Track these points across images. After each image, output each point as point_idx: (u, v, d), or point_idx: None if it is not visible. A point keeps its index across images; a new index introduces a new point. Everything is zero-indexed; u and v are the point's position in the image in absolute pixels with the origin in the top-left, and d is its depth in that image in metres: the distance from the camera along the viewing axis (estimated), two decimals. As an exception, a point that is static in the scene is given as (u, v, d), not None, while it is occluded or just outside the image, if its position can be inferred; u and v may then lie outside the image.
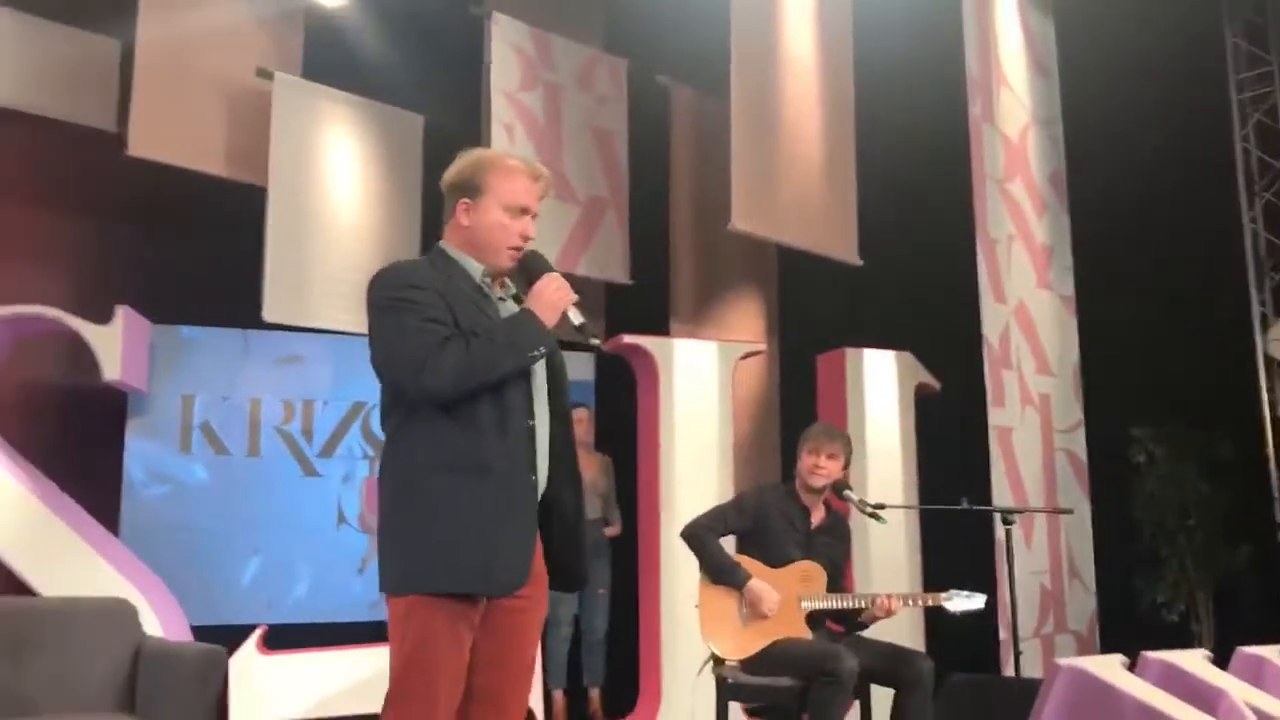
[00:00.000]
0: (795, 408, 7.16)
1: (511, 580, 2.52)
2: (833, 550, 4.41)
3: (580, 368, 7.42)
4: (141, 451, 6.41)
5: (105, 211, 6.65)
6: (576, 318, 2.65)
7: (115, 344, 5.56)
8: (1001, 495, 6.05)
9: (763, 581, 4.17)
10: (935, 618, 5.98)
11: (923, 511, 6.60)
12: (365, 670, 5.92)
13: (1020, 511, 4.42)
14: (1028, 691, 4.80)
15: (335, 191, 6.72)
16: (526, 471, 2.56)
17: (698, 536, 4.32)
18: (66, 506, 5.52)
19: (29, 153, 6.51)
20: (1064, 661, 4.71)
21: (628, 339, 6.39)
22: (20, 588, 5.10)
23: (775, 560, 4.28)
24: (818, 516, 4.43)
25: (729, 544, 4.42)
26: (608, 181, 6.90)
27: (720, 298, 7.21)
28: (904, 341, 6.85)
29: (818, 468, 4.39)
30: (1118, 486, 6.76)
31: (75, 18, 6.57)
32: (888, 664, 4.11)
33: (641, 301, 7.30)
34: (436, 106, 7.13)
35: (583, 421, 6.65)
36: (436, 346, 2.46)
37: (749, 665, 4.21)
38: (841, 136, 6.53)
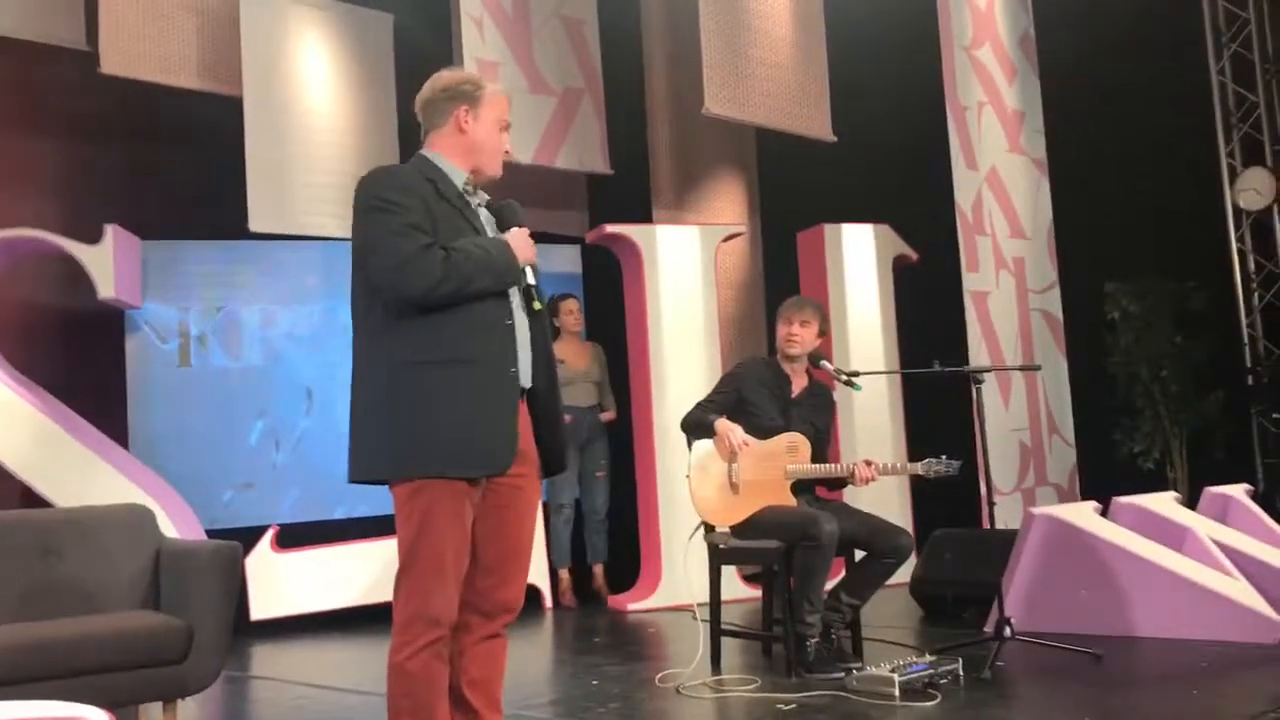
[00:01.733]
0: (779, 286, 7.30)
1: (500, 461, 2.68)
2: (816, 417, 4.60)
3: (568, 260, 7.55)
4: (142, 366, 6.57)
5: (86, 131, 6.69)
6: (530, 278, 2.80)
7: (108, 262, 5.68)
8: (979, 358, 6.25)
9: (729, 422, 4.36)
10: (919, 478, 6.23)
11: (905, 379, 6.81)
12: (373, 562, 6.20)
13: (987, 370, 4.60)
14: (1005, 541, 5.08)
15: (310, 97, 6.75)
16: (506, 364, 2.72)
17: (687, 420, 4.51)
18: (75, 423, 5.71)
19: (4, 76, 6.53)
20: (1037, 510, 4.98)
21: (610, 229, 6.51)
22: (39, 503, 5.33)
23: (761, 429, 4.47)
24: (799, 385, 4.61)
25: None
26: (581, 71, 6.93)
27: (701, 182, 7.29)
28: (884, 214, 6.98)
29: (791, 336, 4.56)
30: (1093, 343, 6.96)
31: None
32: (869, 534, 4.34)
33: (623, 191, 7.40)
34: (406, 5, 7.12)
35: (573, 312, 6.81)
36: (418, 250, 2.59)
37: (738, 531, 4.44)
38: (810, 12, 6.55)
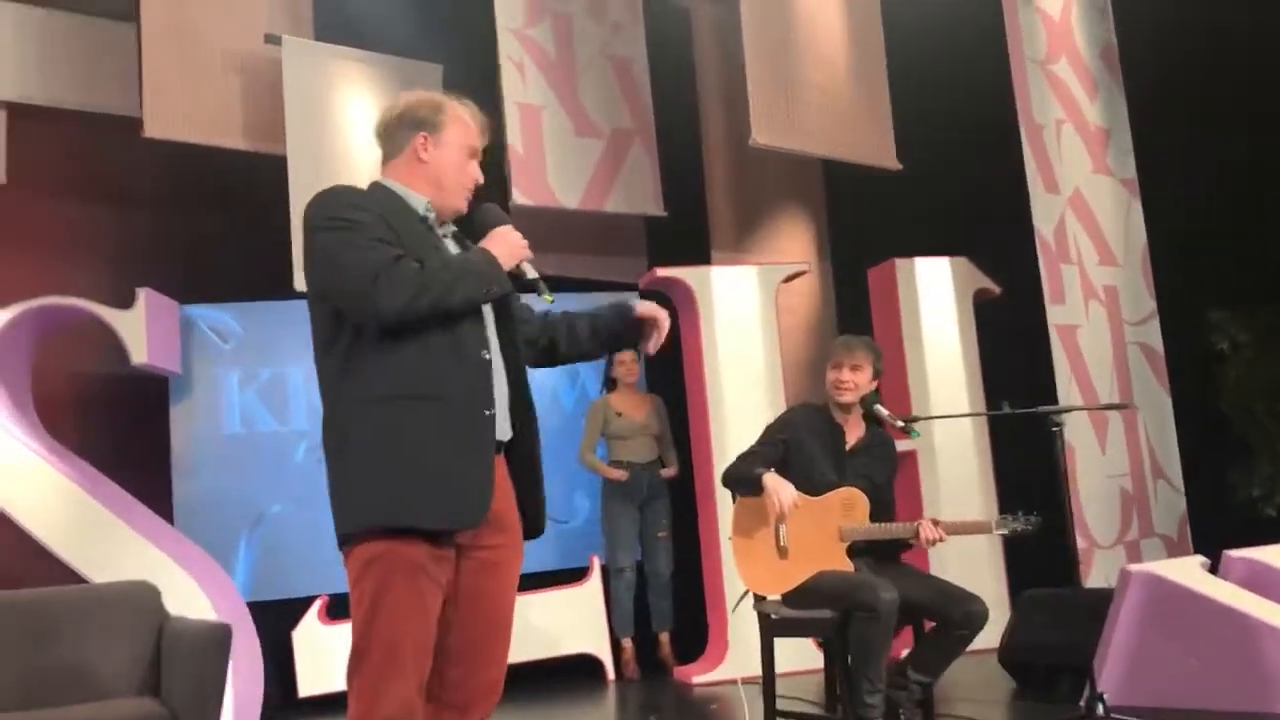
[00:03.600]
0: (854, 326, 6.86)
1: (474, 512, 2.34)
2: (874, 470, 4.14)
3: (625, 307, 7.20)
4: (186, 432, 6.39)
5: (132, 197, 6.63)
6: (531, 272, 2.51)
7: (139, 327, 5.51)
8: (1069, 398, 5.70)
9: (778, 477, 3.91)
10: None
11: (993, 425, 6.28)
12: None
13: (1064, 411, 4.08)
14: (1102, 602, 4.52)
15: (355, 152, 6.57)
16: (482, 404, 2.39)
17: (729, 473, 4.10)
18: (112, 494, 5.51)
19: (52, 146, 6.51)
20: (1135, 568, 4.42)
21: (661, 272, 6.17)
22: (73, 576, 5.14)
23: (813, 486, 4.02)
24: (854, 435, 4.16)
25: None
26: (631, 111, 6.62)
27: (763, 221, 6.89)
28: (965, 246, 6.50)
29: (841, 382, 4.11)
30: (1200, 377, 6.34)
31: (85, 4, 6.50)
32: (938, 601, 3.84)
33: (684, 233, 7.05)
34: (455, 54, 6.92)
35: (625, 363, 6.46)
36: (390, 262, 2.30)
37: (789, 599, 3.99)
38: (868, 30, 6.14)
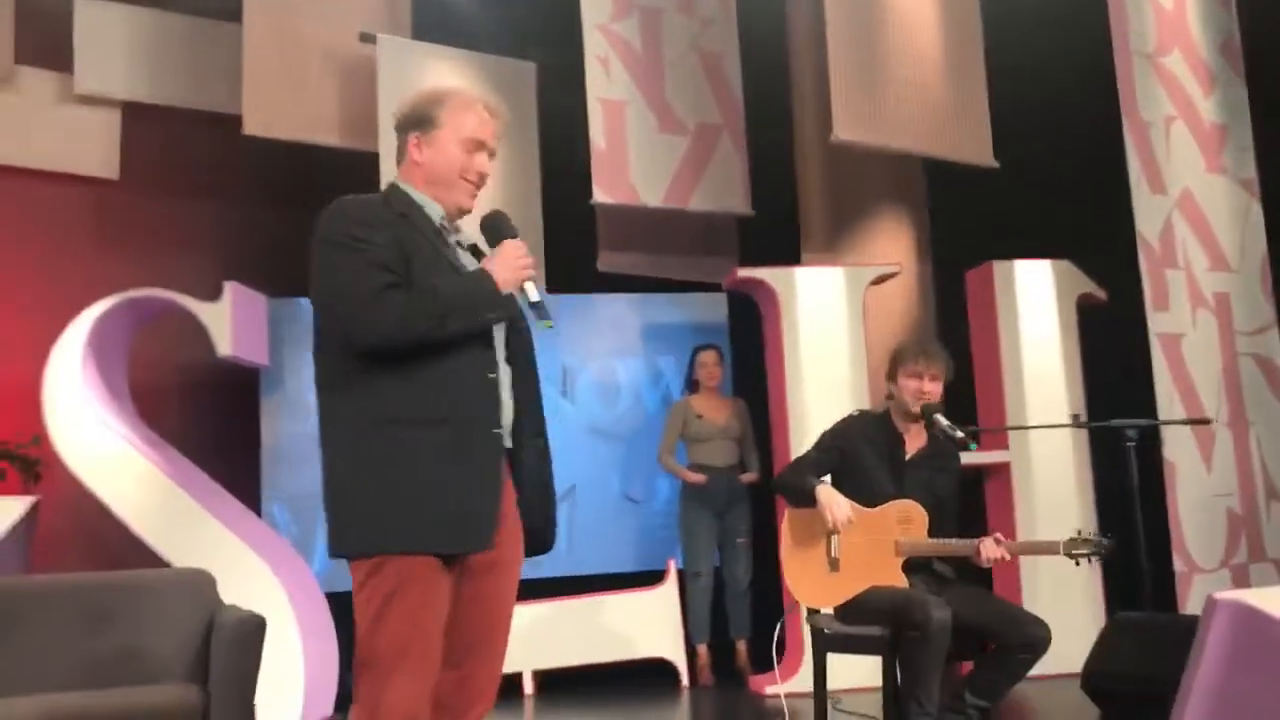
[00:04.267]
0: (955, 331, 6.61)
1: (482, 537, 2.32)
2: (935, 483, 3.94)
3: (712, 309, 7.10)
4: (276, 423, 6.52)
5: (232, 193, 6.80)
6: (534, 294, 2.43)
7: (225, 320, 5.63)
8: (1172, 410, 5.35)
9: (833, 490, 3.76)
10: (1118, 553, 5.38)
11: (1093, 439, 5.95)
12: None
13: (1137, 425, 3.80)
14: (1190, 631, 4.22)
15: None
16: (488, 424, 2.36)
17: (780, 477, 3.96)
18: (199, 482, 5.66)
19: (162, 144, 6.71)
20: (1223, 595, 4.07)
21: (743, 272, 6.03)
22: (157, 562, 5.29)
23: (869, 497, 3.87)
24: (915, 445, 3.97)
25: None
26: (720, 107, 6.49)
27: (858, 221, 6.67)
28: (1071, 249, 6.19)
29: (922, 392, 3.93)
30: (1323, 392, 5.87)
31: (195, 4, 6.70)
32: (998, 623, 3.63)
33: (777, 233, 6.89)
34: (550, 52, 6.91)
35: (707, 365, 6.34)
36: (377, 291, 2.27)
37: (842, 614, 3.83)
38: (964, 22, 5.88)
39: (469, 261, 2.49)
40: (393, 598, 2.25)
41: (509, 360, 2.47)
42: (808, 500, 3.82)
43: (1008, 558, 3.73)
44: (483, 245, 2.56)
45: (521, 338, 2.51)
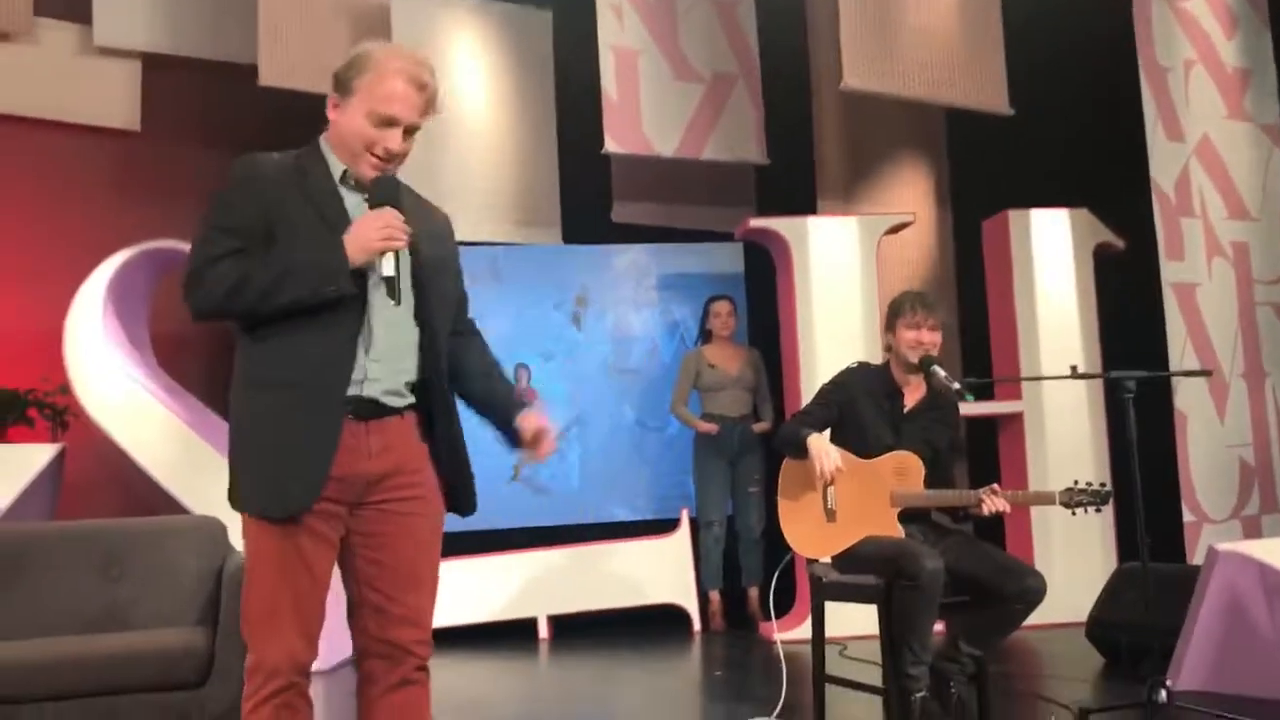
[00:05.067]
0: (974, 281, 6.57)
1: (295, 501, 2.28)
2: (934, 434, 3.93)
3: (728, 259, 7.09)
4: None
5: (250, 143, 6.75)
6: (387, 268, 2.32)
7: (241, 271, 5.69)
8: (1184, 361, 5.31)
9: (824, 439, 3.78)
10: (1122, 504, 5.37)
11: (1107, 390, 5.91)
12: (516, 576, 5.99)
13: (1141, 376, 3.75)
14: (1193, 581, 4.22)
15: (466, 101, 6.62)
16: (335, 385, 2.31)
17: (778, 434, 3.98)
18: (218, 431, 5.75)
19: (181, 95, 6.76)
20: (1224, 546, 4.12)
21: (755, 223, 6.01)
22: (179, 508, 5.41)
23: (867, 449, 3.86)
24: (914, 397, 3.96)
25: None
26: (735, 55, 6.45)
27: (876, 170, 6.62)
28: (1092, 198, 6.11)
29: (920, 343, 3.91)
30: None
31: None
32: (992, 573, 3.63)
33: (793, 182, 6.86)
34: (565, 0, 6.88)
35: (720, 315, 6.35)
36: (206, 263, 2.29)
37: (838, 563, 3.86)
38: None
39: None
40: (256, 559, 2.32)
41: (419, 320, 2.40)
42: (799, 451, 3.84)
43: (1008, 509, 3.72)
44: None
45: (428, 291, 2.42)
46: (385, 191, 2.37)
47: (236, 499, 2.33)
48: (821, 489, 3.84)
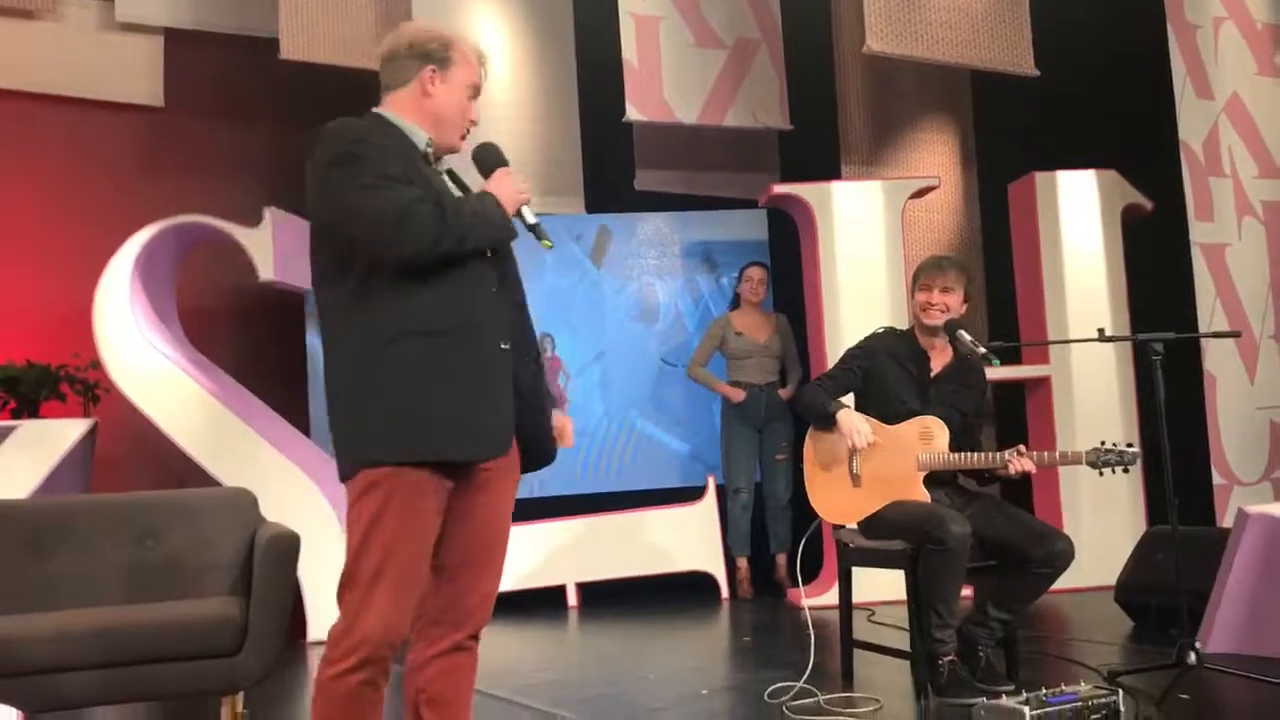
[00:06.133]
0: (999, 245, 6.52)
1: (500, 444, 2.39)
2: (960, 399, 3.93)
3: (753, 225, 7.06)
4: (320, 348, 6.63)
5: (276, 117, 6.83)
6: (530, 216, 2.49)
7: (267, 244, 5.73)
8: (1215, 322, 5.27)
9: (854, 413, 3.79)
10: (1152, 467, 5.32)
11: (1135, 353, 5.87)
12: (545, 544, 6.03)
13: (1168, 338, 3.71)
14: (1222, 545, 4.20)
15: (490, 77, 6.58)
16: (496, 337, 2.41)
17: (802, 394, 3.99)
18: (248, 404, 5.83)
19: (204, 70, 6.77)
20: (1254, 509, 4.10)
21: (778, 188, 5.98)
22: (211, 482, 5.47)
23: (891, 413, 3.87)
24: (940, 362, 3.96)
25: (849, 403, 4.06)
26: (757, 20, 6.40)
27: (900, 134, 6.56)
28: (1120, 160, 6.05)
29: (930, 305, 3.90)
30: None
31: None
32: (1020, 538, 3.63)
33: (818, 147, 6.81)
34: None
35: (752, 280, 6.34)
36: (411, 203, 2.29)
37: (865, 528, 3.87)
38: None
39: (453, 189, 2.51)
40: (378, 520, 2.28)
41: (503, 282, 2.49)
42: (827, 423, 3.85)
43: (1034, 469, 3.72)
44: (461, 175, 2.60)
45: (507, 258, 2.53)
46: (495, 154, 2.53)
47: (387, 448, 2.29)
48: (848, 455, 3.85)
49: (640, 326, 7.01)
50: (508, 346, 2.43)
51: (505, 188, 2.43)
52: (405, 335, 2.31)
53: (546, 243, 2.49)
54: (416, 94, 2.47)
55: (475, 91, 2.53)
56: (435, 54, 2.47)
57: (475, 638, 2.49)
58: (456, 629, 2.45)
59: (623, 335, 6.98)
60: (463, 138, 2.54)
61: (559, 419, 2.64)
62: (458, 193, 2.50)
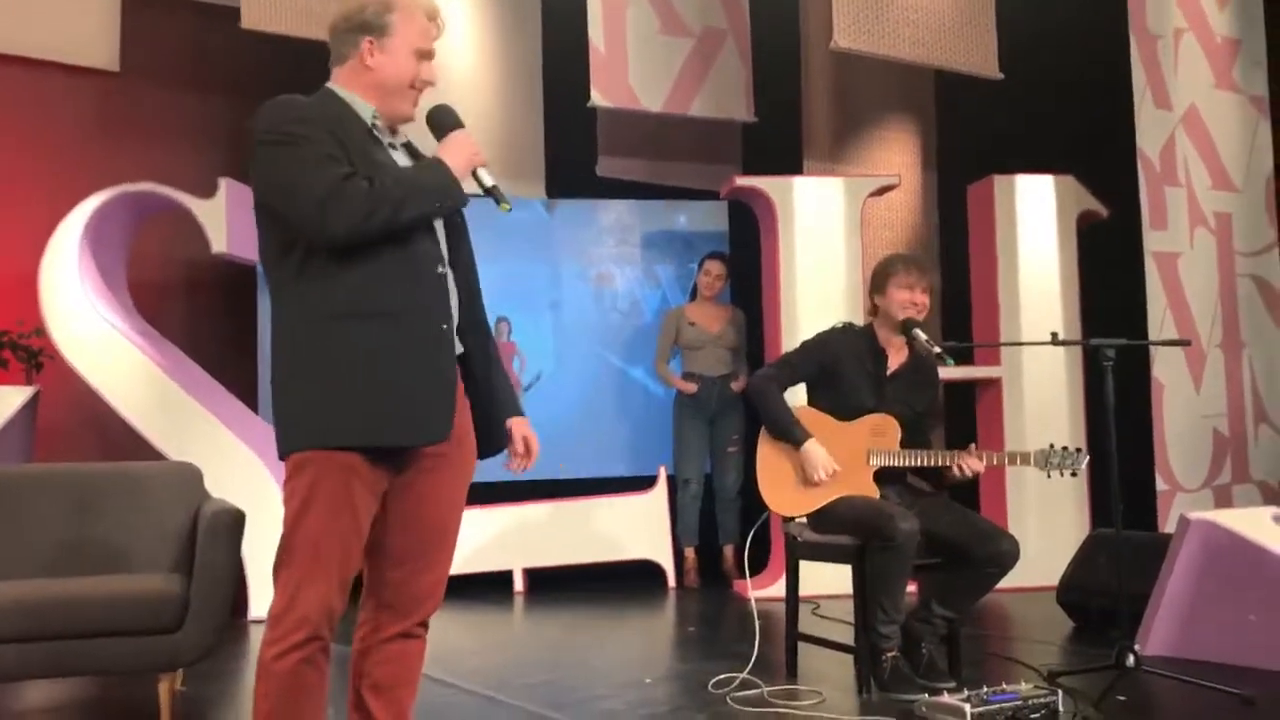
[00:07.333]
0: (956, 245, 6.57)
1: (439, 428, 2.32)
2: (914, 397, 3.95)
3: (713, 217, 7.06)
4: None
5: (234, 88, 6.72)
6: (487, 179, 2.40)
7: (220, 216, 5.64)
8: (1164, 330, 5.34)
9: (820, 448, 3.79)
10: (1097, 471, 5.38)
11: (1085, 357, 5.93)
12: (493, 528, 6.01)
13: (1119, 344, 3.75)
14: (1163, 549, 4.27)
15: (451, 49, 6.53)
16: (440, 319, 2.35)
17: (758, 389, 3.98)
18: (194, 377, 5.72)
19: (163, 36, 6.65)
20: (1195, 515, 4.16)
21: (740, 181, 5.98)
22: (156, 455, 5.38)
23: (846, 409, 3.88)
24: (896, 360, 3.97)
25: (799, 392, 4.07)
26: (725, 11, 6.39)
27: (862, 131, 6.61)
28: (1079, 165, 6.11)
29: (913, 303, 3.91)
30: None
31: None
32: (966, 537, 3.66)
33: (781, 141, 6.82)
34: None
35: (710, 273, 6.34)
36: (340, 180, 2.23)
37: (813, 522, 3.89)
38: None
39: (403, 162, 2.44)
40: (309, 500, 2.24)
41: (454, 263, 2.44)
42: (790, 443, 3.84)
43: (981, 469, 3.76)
44: (417, 145, 2.53)
45: (461, 237, 2.47)
46: (449, 116, 2.43)
47: (317, 432, 2.25)
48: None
49: (597, 313, 6.98)
50: (450, 327, 2.37)
51: (457, 150, 2.35)
52: (340, 317, 2.26)
53: (505, 205, 2.39)
54: (358, 67, 2.40)
55: (424, 54, 2.42)
56: (371, 23, 2.39)
57: (424, 625, 2.46)
58: (405, 616, 2.43)
59: (579, 322, 6.95)
60: (414, 103, 2.44)
61: (521, 427, 2.59)
62: (408, 164, 2.45)
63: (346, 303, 2.26)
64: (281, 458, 2.34)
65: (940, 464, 3.79)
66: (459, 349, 2.42)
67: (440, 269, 2.37)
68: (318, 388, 2.27)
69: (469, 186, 2.38)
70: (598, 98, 5.88)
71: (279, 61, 6.44)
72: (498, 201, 2.40)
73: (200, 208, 5.66)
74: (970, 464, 3.73)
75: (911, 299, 3.91)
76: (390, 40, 2.38)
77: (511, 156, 6.63)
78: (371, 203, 2.22)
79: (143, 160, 6.24)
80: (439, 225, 2.41)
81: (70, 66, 6.37)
